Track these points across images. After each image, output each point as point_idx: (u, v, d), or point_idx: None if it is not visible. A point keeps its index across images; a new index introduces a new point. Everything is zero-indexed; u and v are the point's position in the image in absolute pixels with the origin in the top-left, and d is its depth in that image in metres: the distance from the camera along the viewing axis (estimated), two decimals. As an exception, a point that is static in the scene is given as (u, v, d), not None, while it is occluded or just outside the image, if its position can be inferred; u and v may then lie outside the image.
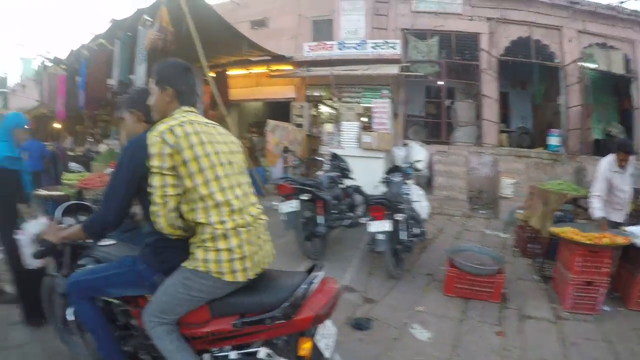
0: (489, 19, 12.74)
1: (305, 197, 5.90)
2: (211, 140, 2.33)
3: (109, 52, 10.02)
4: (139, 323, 2.55)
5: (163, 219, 2.23)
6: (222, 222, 2.21)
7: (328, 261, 5.53)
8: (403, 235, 5.50)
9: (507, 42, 12.76)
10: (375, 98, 12.35)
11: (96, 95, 10.09)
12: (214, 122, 2.51)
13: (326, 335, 2.42)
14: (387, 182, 6.52)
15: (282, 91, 13.75)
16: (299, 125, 12.83)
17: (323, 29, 13.85)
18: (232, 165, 2.40)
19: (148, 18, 8.58)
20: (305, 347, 2.32)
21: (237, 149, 2.54)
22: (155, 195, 2.22)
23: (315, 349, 2.34)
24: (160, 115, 2.46)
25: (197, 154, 2.22)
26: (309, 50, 12.43)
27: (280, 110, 14.01)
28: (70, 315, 2.86)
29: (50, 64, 12.69)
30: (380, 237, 5.24)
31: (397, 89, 12.73)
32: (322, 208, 6.07)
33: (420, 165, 7.98)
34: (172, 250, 2.38)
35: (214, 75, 11.77)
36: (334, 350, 2.48)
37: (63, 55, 12.63)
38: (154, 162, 2.19)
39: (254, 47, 10.62)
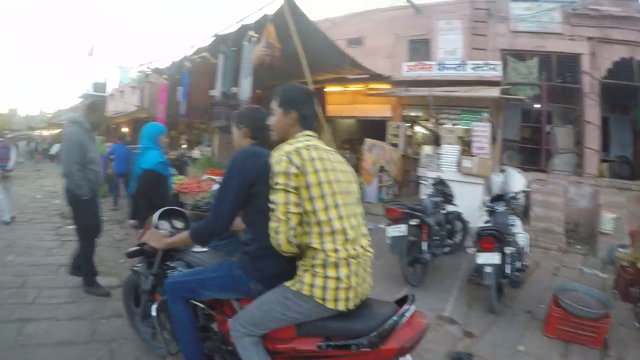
0: (589, 38, 11.56)
1: (414, 222, 5.75)
2: (333, 168, 2.31)
3: (212, 65, 10.01)
4: (221, 328, 2.70)
5: (283, 236, 2.22)
6: (336, 251, 2.18)
7: (427, 289, 5.63)
8: (508, 269, 5.18)
9: (609, 64, 11.45)
10: (473, 121, 11.66)
11: (197, 105, 10.01)
12: (333, 149, 2.48)
13: None
14: (491, 211, 6.17)
15: (378, 110, 13.27)
16: (394, 145, 12.38)
17: (420, 49, 13.27)
18: (349, 194, 2.37)
19: (254, 34, 8.44)
20: None
21: (353, 178, 2.51)
22: (278, 211, 2.20)
23: None
24: (280, 137, 2.49)
25: (321, 179, 2.21)
26: (408, 70, 11.91)
27: (373, 128, 13.53)
28: (154, 310, 3.08)
29: (151, 73, 12.65)
30: (488, 269, 5.02)
31: (496, 112, 11.88)
32: (427, 234, 5.87)
33: (520, 195, 7.36)
34: (270, 260, 2.41)
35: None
36: None
37: (163, 66, 12.72)
38: (279, 180, 2.19)
39: (355, 65, 10.15)
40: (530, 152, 12.56)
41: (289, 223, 2.19)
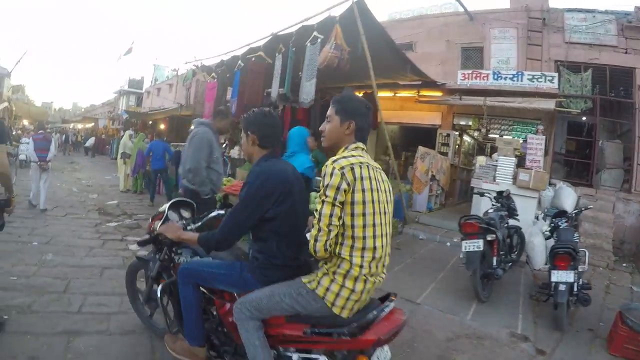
0: None
1: (490, 237, 5.44)
2: (377, 187, 2.29)
3: (267, 64, 9.31)
4: (219, 312, 2.84)
5: (321, 245, 2.18)
6: (361, 267, 2.21)
7: (495, 305, 5.30)
8: (576, 287, 4.91)
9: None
10: (524, 132, 11.16)
11: (250, 105, 9.21)
12: (379, 167, 2.45)
13: (382, 357, 2.46)
14: (554, 227, 5.80)
15: (428, 117, 12.57)
16: (444, 154, 11.68)
17: (472, 57, 12.55)
18: (385, 215, 2.36)
19: (318, 35, 7.66)
20: None
21: (390, 198, 2.46)
22: (321, 222, 2.17)
23: None
24: (332, 144, 2.43)
25: (366, 199, 2.19)
26: (463, 78, 11.14)
27: (416, 135, 12.70)
28: (158, 292, 3.18)
29: (199, 71, 11.96)
30: (562, 287, 4.77)
31: (548, 125, 11.09)
32: (497, 249, 5.57)
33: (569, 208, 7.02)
34: (276, 270, 2.52)
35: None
36: None
37: (211, 64, 11.98)
38: (329, 192, 2.16)
39: (415, 71, 9.45)
40: (576, 166, 12.05)
41: (329, 234, 2.17)
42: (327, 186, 2.16)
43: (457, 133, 12.51)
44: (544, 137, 9.91)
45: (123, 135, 22.34)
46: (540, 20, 11.69)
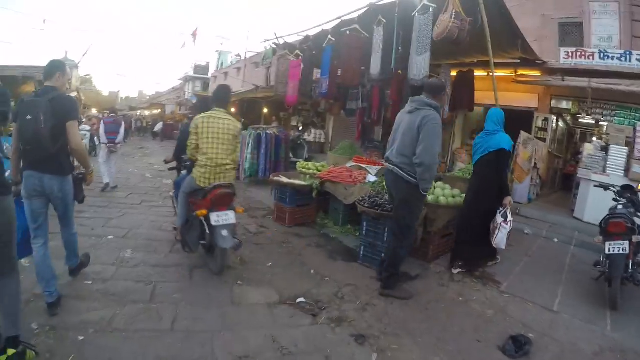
0: None
1: (637, 238, 4.62)
2: (213, 127, 4.58)
3: (363, 38, 8.00)
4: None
5: (189, 152, 4.78)
6: (203, 161, 4.61)
7: (628, 313, 4.45)
8: None
9: None
10: (629, 119, 9.54)
11: (345, 83, 8.12)
12: (227, 118, 4.73)
13: (220, 215, 4.44)
14: None
15: (524, 99, 10.90)
16: (541, 139, 10.20)
17: (571, 33, 11.08)
18: (218, 139, 4.60)
19: (429, 3, 6.42)
20: (200, 213, 4.46)
21: (226, 132, 4.66)
22: (189, 141, 4.71)
23: (209, 219, 4.42)
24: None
25: (204, 132, 4.55)
26: (566, 57, 9.42)
27: (509, 119, 11.12)
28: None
29: (280, 49, 10.85)
30: None
31: None
32: (634, 251, 4.72)
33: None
34: (193, 166, 4.85)
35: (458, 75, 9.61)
36: (229, 233, 4.42)
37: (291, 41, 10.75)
38: (192, 130, 4.68)
39: (525, 48, 8.08)
40: None
41: (192, 147, 4.70)
42: (191, 128, 4.68)
43: (554, 117, 10.95)
44: None
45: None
46: None
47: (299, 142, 12.92)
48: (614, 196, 5.55)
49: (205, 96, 24.20)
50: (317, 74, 10.22)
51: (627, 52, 9.13)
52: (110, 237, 5.61)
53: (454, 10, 5.89)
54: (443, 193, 5.83)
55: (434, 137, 4.10)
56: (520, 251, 6.32)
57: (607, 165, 8.18)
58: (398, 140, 4.40)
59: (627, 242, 4.51)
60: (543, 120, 10.68)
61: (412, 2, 6.77)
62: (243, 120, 13.59)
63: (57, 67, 3.54)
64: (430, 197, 5.45)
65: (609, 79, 9.22)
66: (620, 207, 5.27)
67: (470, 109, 9.80)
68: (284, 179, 7.12)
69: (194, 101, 23.35)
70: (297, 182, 7.08)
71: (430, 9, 6.40)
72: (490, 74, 10.02)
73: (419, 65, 6.61)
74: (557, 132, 11.58)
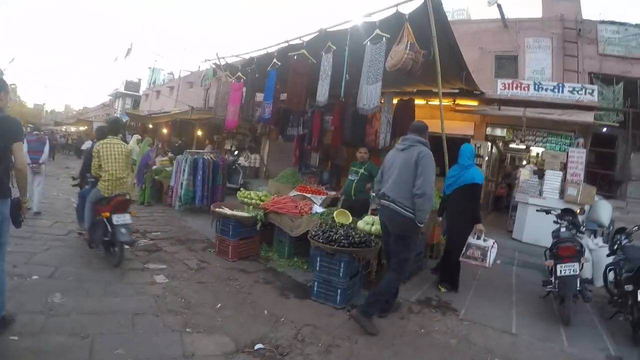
0: None
1: (584, 260, 5.11)
2: (111, 151, 5.73)
3: (311, 64, 7.64)
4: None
5: (94, 171, 5.79)
6: (105, 177, 5.70)
7: (578, 327, 4.80)
8: None
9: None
10: (559, 145, 10.00)
11: (291, 108, 7.66)
12: (118, 142, 5.91)
13: (119, 216, 5.49)
14: (617, 244, 5.56)
15: (461, 127, 11.01)
16: (478, 166, 9.90)
17: (506, 65, 11.39)
18: (115, 160, 5.75)
19: (382, 33, 6.18)
20: (104, 215, 5.46)
21: (124, 155, 5.89)
22: (92, 163, 5.80)
23: (111, 220, 5.42)
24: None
25: (103, 155, 5.68)
26: (503, 87, 9.91)
27: (448, 146, 11.09)
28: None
29: (221, 70, 10.09)
30: None
31: (584, 137, 9.91)
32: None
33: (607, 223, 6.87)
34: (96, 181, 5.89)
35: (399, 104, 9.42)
36: (126, 230, 5.47)
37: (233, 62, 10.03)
38: (94, 154, 5.87)
39: (469, 80, 8.22)
40: (600, 178, 11.14)
41: (95, 167, 5.75)
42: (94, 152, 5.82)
43: (489, 144, 11.06)
44: (584, 150, 9.08)
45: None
46: (574, 30, 10.87)
47: (234, 166, 12.09)
48: (554, 219, 5.80)
49: (102, 125, 22.28)
50: (258, 97, 9.57)
51: (560, 85, 9.74)
52: (35, 277, 4.72)
53: (409, 42, 5.66)
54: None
55: (431, 170, 4.21)
56: (468, 274, 6.22)
57: (543, 189, 8.59)
58: (393, 176, 4.37)
59: (577, 263, 4.84)
60: (478, 147, 10.80)
61: (364, 31, 6.51)
62: (180, 142, 12.50)
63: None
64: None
65: (542, 108, 9.51)
66: (563, 229, 5.53)
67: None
68: (227, 210, 6.41)
69: (124, 120, 21.61)
70: (240, 213, 6.40)
71: (384, 39, 6.15)
72: (430, 102, 10.12)
73: (370, 95, 6.33)
74: (491, 158, 11.71)
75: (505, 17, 11.27)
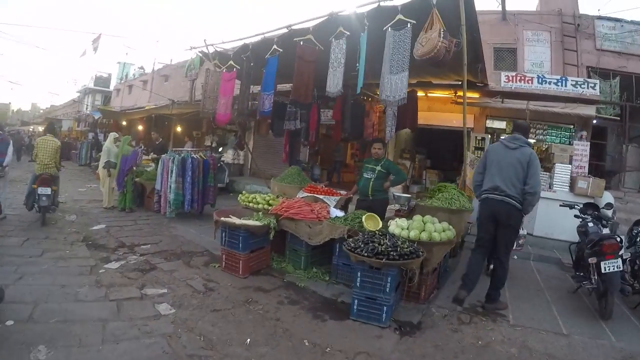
0: None
1: (626, 255, 4.91)
2: (42, 145, 7.31)
3: (319, 51, 6.54)
4: None
5: (34, 157, 7.91)
6: (37, 162, 7.39)
7: (617, 321, 4.50)
8: None
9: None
10: (560, 137, 9.84)
11: (298, 100, 6.63)
12: (50, 139, 7.36)
13: (43, 189, 6.87)
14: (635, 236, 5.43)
15: (459, 119, 9.87)
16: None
17: (505, 57, 10.77)
18: (46, 150, 7.20)
19: (405, 19, 5.25)
20: (35, 186, 7.02)
21: (50, 147, 7.27)
22: (34, 152, 7.69)
23: (37, 190, 6.92)
24: None
25: (38, 147, 7.40)
26: (506, 80, 9.14)
27: (449, 139, 10.31)
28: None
29: (210, 58, 8.71)
30: None
31: (585, 130, 9.52)
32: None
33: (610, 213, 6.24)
34: None
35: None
36: (47, 198, 6.89)
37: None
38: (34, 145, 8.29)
39: (483, 73, 7.42)
40: (595, 169, 10.65)
41: (34, 155, 7.63)
42: None
43: (489, 136, 10.44)
44: (588, 143, 8.65)
45: (97, 138, 17.96)
46: (572, 25, 10.52)
47: (218, 164, 10.71)
48: (577, 213, 5.72)
49: (113, 111, 20.12)
50: (254, 89, 8.32)
51: (563, 78, 9.20)
52: (9, 322, 3.42)
53: (441, 29, 4.86)
54: (435, 228, 4.66)
55: (539, 170, 4.49)
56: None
57: (553, 182, 8.14)
58: (502, 172, 4.45)
59: (620, 259, 4.55)
60: (480, 139, 10.14)
61: (383, 16, 5.48)
62: (161, 139, 10.92)
63: None
64: (423, 235, 4.53)
65: (545, 101, 9.04)
66: (591, 224, 5.35)
67: (413, 129, 8.59)
68: (236, 220, 5.28)
69: (96, 117, 19.33)
70: (251, 222, 5.28)
71: (409, 25, 5.22)
72: (429, 94, 9.20)
73: (395, 85, 5.39)
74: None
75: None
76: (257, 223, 5.26)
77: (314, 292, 4.82)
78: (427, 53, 4.91)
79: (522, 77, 9.16)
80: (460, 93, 9.04)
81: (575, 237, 6.41)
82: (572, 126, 9.65)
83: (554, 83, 8.96)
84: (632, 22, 10.35)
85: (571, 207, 5.92)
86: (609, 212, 6.04)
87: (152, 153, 10.26)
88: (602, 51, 10.19)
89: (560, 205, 6.34)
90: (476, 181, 4.80)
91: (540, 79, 9.04)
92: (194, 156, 8.28)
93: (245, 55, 7.62)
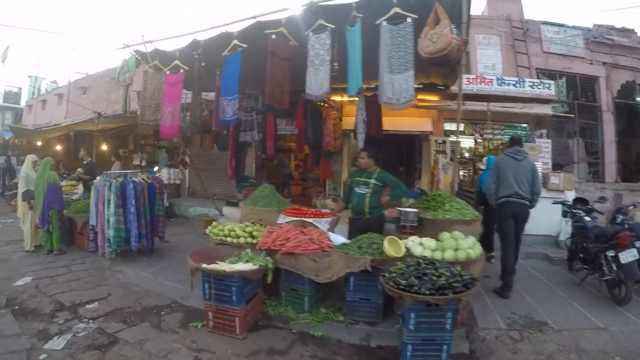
0: (604, 63, 10.45)
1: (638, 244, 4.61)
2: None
3: (293, 47, 5.20)
4: None
5: None
6: None
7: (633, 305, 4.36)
8: None
9: (619, 86, 10.52)
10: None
11: (274, 105, 5.22)
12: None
13: None
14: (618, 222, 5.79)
15: (419, 123, 9.49)
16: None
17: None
18: None
19: (404, 12, 4.33)
20: None
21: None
22: None
23: None
24: None
25: None
26: (467, 82, 8.41)
27: (407, 143, 9.44)
28: None
29: (149, 59, 6.63)
30: None
31: (538, 128, 9.42)
32: None
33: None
34: None
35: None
36: None
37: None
38: None
39: (452, 76, 6.80)
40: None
41: None
42: None
43: (450, 139, 9.57)
44: (549, 140, 8.58)
45: (9, 162, 14.43)
46: (520, 29, 10.39)
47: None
48: (565, 209, 5.89)
49: (27, 129, 16.12)
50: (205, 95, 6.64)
51: (521, 80, 9.06)
52: None
53: (450, 25, 4.13)
54: (467, 244, 3.84)
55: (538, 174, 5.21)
56: (496, 276, 5.06)
57: None
58: (518, 180, 4.80)
59: (634, 248, 4.45)
60: (441, 142, 9.39)
61: (376, 8, 4.47)
62: (89, 158, 8.53)
63: None
64: (460, 254, 3.72)
65: (503, 102, 8.50)
66: (588, 218, 5.41)
67: (379, 136, 7.45)
68: (225, 266, 3.74)
69: (7, 137, 15.50)
70: (245, 267, 3.70)
71: (409, 19, 4.32)
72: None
73: (399, 86, 4.39)
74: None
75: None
76: (252, 266, 3.71)
77: (339, 341, 3.60)
78: (440, 50, 4.09)
79: (482, 79, 8.63)
80: (421, 96, 8.13)
81: (551, 231, 7.19)
82: (526, 124, 9.50)
83: (513, 84, 8.64)
84: (573, 27, 10.60)
85: (563, 203, 6.07)
86: (599, 205, 6.24)
87: (79, 171, 7.86)
88: (549, 54, 10.27)
89: (553, 203, 6.22)
90: (492, 189, 5.01)
91: (499, 81, 8.64)
92: (136, 180, 6.25)
93: (197, 53, 5.88)
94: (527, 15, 10.90)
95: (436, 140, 9.28)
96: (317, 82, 4.82)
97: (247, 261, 3.87)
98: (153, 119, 6.60)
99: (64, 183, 8.32)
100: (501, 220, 4.96)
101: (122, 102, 6.98)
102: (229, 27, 5.51)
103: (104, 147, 12.55)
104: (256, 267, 3.73)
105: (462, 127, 9.58)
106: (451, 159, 8.58)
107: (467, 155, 10.29)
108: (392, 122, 9.21)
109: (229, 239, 4.43)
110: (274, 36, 4.99)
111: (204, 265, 3.68)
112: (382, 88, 4.42)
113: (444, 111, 8.93)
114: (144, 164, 12.26)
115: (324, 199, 8.22)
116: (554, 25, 10.49)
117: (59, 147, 13.52)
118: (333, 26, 4.71)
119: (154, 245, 6.43)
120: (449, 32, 4.04)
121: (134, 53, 6.77)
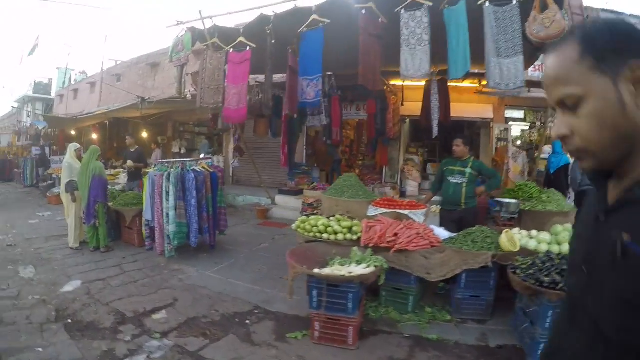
0: None
1: None
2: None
3: (383, 25, 4.48)
4: None
5: None
6: None
7: None
8: None
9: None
10: None
11: (367, 86, 4.51)
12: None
13: None
14: None
15: (480, 110, 8.60)
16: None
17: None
18: None
19: None
20: None
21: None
22: None
23: None
24: None
25: None
26: (533, 70, 7.49)
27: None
28: None
29: (207, 36, 5.81)
30: None
31: None
32: None
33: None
34: None
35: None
36: None
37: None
38: None
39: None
40: None
41: None
42: None
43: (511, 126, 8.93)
44: None
45: (43, 153, 13.82)
46: (580, 16, 9.05)
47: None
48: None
49: (62, 118, 15.25)
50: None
51: None
52: None
53: (559, 10, 3.73)
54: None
55: None
56: None
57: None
58: None
59: None
60: (503, 130, 8.58)
61: None
62: (137, 146, 7.85)
63: None
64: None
65: None
66: None
67: (447, 121, 6.79)
68: (342, 270, 3.07)
69: (41, 127, 14.73)
70: (366, 270, 3.10)
71: (514, 1, 3.86)
72: (449, 84, 7.50)
73: (509, 72, 3.87)
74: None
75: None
76: (371, 269, 3.08)
77: (457, 343, 3.07)
78: (553, 36, 3.60)
79: (547, 66, 7.82)
80: (485, 82, 7.46)
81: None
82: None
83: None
84: (632, 16, 9.30)
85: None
86: None
87: (128, 161, 7.23)
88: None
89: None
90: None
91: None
92: (197, 169, 5.54)
93: (268, 28, 5.14)
94: (587, 2, 10.17)
95: (498, 127, 8.47)
96: (414, 62, 4.17)
97: (358, 262, 3.26)
98: (213, 102, 5.94)
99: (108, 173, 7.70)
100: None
101: (177, 84, 6.21)
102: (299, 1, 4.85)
103: (144, 134, 11.93)
104: (371, 269, 3.08)
105: (522, 114, 8.90)
106: (519, 147, 8.00)
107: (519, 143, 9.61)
108: (454, 108, 8.60)
109: (325, 236, 3.80)
110: (364, 11, 4.33)
111: (316, 271, 3.05)
112: (490, 72, 3.91)
113: (505, 98, 8.19)
114: (183, 151, 11.64)
115: (382, 186, 7.63)
116: (612, 13, 9.40)
117: (94, 136, 12.89)
118: (431, 3, 4.08)
119: (215, 240, 5.66)
120: (562, 18, 3.66)
121: (186, 30, 6.03)
